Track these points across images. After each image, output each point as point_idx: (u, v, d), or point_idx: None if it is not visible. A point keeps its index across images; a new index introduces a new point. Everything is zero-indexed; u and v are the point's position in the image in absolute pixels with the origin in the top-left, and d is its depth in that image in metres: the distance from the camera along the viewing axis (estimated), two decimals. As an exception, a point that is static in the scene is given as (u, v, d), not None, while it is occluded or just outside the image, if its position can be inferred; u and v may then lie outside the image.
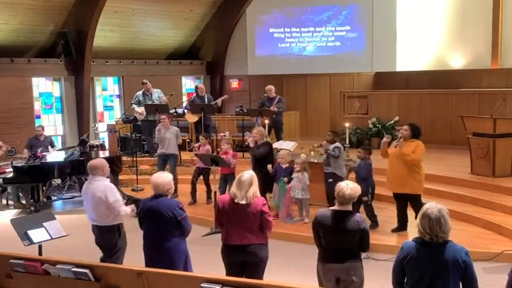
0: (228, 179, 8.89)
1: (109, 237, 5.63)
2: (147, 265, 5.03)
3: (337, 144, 8.23)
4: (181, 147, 12.48)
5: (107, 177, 5.79)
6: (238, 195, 4.87)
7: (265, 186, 8.17)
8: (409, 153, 7.17)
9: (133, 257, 5.63)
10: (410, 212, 7.55)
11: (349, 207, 4.56)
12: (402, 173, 7.27)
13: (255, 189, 4.92)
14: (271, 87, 12.22)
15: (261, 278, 4.94)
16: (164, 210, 5.00)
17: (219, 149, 10.00)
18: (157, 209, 5.04)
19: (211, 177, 9.21)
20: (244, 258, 4.91)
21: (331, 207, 4.64)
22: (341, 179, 7.44)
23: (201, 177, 9.55)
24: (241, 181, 4.91)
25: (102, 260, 5.59)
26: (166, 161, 10.04)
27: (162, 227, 5.04)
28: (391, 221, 7.79)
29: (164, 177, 5.21)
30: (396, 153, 7.28)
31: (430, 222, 3.66)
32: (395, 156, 7.30)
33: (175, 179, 9.76)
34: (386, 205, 8.67)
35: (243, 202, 4.86)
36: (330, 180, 7.86)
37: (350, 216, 4.50)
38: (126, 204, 5.90)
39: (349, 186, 4.51)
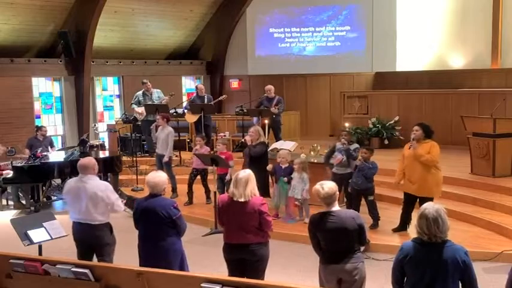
0: (224, 178, 8.92)
1: (102, 235, 5.65)
2: (141, 265, 5.03)
3: (357, 144, 8.23)
4: (181, 147, 12.53)
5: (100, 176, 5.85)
6: (236, 193, 4.89)
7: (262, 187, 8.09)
8: (424, 153, 7.02)
9: (130, 257, 5.61)
10: (413, 214, 7.48)
11: (336, 206, 4.54)
12: (421, 175, 7.10)
13: (252, 187, 4.93)
14: (270, 87, 12.20)
15: (261, 277, 4.95)
16: (159, 210, 5.02)
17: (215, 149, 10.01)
18: (152, 208, 5.06)
19: (210, 177, 9.20)
20: (243, 257, 4.92)
21: (322, 210, 4.58)
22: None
23: (199, 177, 9.53)
24: (238, 179, 4.93)
25: (81, 258, 5.50)
26: (161, 161, 10.07)
27: (158, 227, 5.05)
28: (392, 221, 7.78)
29: (161, 176, 5.24)
30: (412, 155, 7.14)
31: (428, 223, 3.67)
32: (411, 158, 7.16)
33: (173, 179, 9.85)
34: (387, 205, 8.67)
35: (242, 200, 4.87)
36: (351, 180, 7.81)
37: (343, 214, 4.49)
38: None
39: (323, 186, 4.51)
